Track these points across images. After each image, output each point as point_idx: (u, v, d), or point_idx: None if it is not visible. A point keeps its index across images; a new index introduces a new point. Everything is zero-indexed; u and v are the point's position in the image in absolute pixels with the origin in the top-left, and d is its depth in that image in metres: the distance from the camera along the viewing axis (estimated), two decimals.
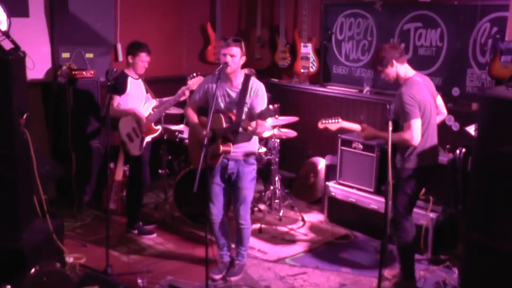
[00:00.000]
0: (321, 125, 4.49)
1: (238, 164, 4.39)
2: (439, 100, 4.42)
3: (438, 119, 4.42)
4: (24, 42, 4.31)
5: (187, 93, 5.17)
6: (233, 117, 4.26)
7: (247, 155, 4.39)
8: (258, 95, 4.29)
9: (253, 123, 4.10)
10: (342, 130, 4.64)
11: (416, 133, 4.05)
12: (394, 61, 4.18)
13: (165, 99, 5.37)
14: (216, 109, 4.19)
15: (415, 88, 4.12)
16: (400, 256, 4.40)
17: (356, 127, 4.42)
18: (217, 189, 4.46)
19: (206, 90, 4.41)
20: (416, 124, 4.05)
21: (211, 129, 4.03)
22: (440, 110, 4.43)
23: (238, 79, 4.33)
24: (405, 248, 4.35)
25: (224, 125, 4.22)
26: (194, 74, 5.24)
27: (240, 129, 4.16)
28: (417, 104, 4.05)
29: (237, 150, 4.34)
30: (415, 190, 4.26)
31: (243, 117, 4.26)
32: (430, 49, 5.64)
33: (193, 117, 4.53)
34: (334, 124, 4.44)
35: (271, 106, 3.96)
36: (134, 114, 5.12)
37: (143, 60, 5.17)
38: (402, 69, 4.22)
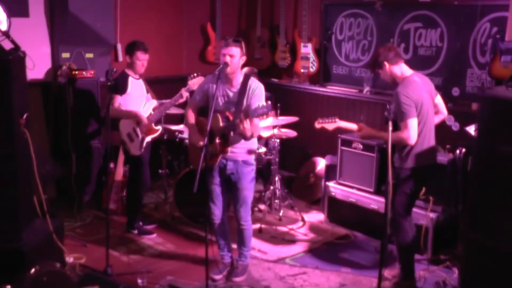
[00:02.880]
0: (317, 125, 4.49)
1: (237, 164, 4.37)
2: (439, 99, 4.41)
3: (438, 119, 4.42)
4: (24, 42, 4.31)
5: (186, 94, 5.15)
6: (230, 117, 4.25)
7: (246, 154, 4.39)
8: (256, 94, 4.28)
9: (247, 122, 4.09)
10: (341, 130, 4.64)
11: (413, 132, 4.06)
12: (385, 63, 4.19)
13: (164, 101, 5.37)
14: (215, 109, 4.17)
15: (411, 88, 4.12)
16: (400, 256, 4.40)
17: (353, 126, 4.42)
18: (218, 190, 4.46)
19: (206, 90, 4.41)
20: (413, 123, 4.05)
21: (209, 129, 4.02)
22: (439, 109, 4.43)
23: (238, 79, 4.33)
24: (405, 248, 4.34)
25: (221, 124, 4.22)
26: (195, 74, 5.22)
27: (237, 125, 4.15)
28: (413, 103, 4.05)
29: (236, 150, 4.34)
30: (414, 190, 4.26)
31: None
32: (430, 49, 5.64)
33: (191, 118, 4.51)
34: (330, 124, 4.45)
35: (264, 103, 3.97)
36: (136, 116, 5.11)
37: (140, 59, 5.16)
38: (397, 69, 4.22)
